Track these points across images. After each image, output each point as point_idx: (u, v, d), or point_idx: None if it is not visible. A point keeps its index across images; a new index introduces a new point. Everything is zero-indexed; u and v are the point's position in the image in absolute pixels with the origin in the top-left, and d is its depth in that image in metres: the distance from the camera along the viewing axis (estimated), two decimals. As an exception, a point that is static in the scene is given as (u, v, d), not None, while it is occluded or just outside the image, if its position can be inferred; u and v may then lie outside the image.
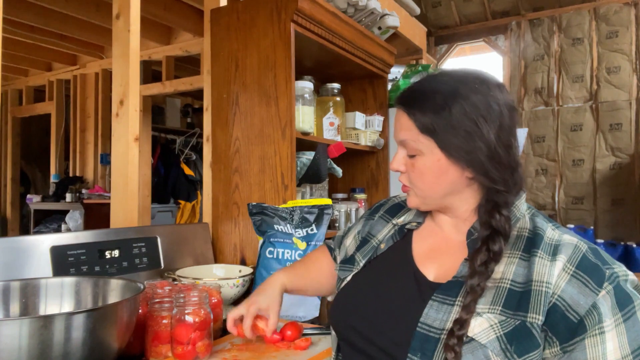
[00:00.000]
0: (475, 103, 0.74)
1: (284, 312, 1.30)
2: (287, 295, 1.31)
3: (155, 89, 3.40)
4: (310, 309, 1.34)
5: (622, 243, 4.19)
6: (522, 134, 3.56)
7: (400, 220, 0.91)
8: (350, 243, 0.98)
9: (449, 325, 0.69)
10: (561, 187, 4.65)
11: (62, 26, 3.30)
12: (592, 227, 4.41)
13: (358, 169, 2.32)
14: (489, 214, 0.75)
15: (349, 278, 0.88)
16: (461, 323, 0.67)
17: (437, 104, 0.75)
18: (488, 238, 0.73)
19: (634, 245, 4.06)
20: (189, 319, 0.94)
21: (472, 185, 0.79)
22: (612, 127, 4.43)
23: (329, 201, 1.45)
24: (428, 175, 0.78)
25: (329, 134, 1.89)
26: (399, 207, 0.95)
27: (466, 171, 0.76)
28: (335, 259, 1.04)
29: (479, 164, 0.74)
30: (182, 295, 0.96)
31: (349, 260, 0.92)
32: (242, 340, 1.08)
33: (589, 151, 4.51)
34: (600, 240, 4.27)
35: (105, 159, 4.13)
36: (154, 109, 4.06)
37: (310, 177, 1.70)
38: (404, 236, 0.88)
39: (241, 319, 0.97)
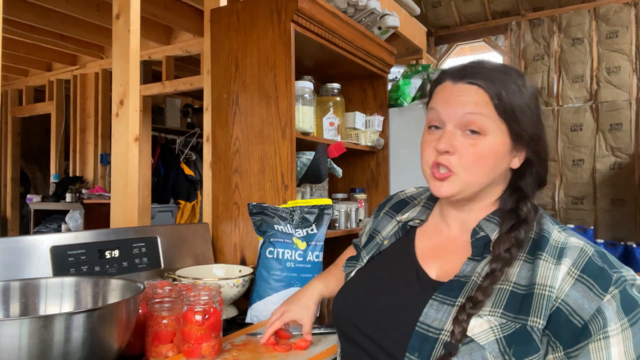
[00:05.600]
0: (534, 93, 0.76)
1: (284, 312, 1.30)
2: (286, 295, 1.31)
3: (155, 89, 3.40)
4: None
5: (622, 243, 4.19)
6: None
7: (404, 217, 0.90)
8: (363, 241, 0.99)
9: (447, 325, 0.69)
10: (561, 187, 4.65)
11: (62, 26, 3.31)
12: (592, 227, 4.41)
13: (358, 169, 2.31)
14: (516, 204, 0.76)
15: (352, 274, 0.88)
16: (468, 311, 0.67)
17: (518, 86, 0.74)
18: (514, 226, 0.73)
19: (634, 245, 4.06)
20: (199, 317, 0.94)
21: (507, 177, 0.80)
22: (612, 127, 4.43)
23: (329, 201, 1.45)
24: (488, 159, 0.74)
25: (329, 134, 1.89)
26: (404, 203, 0.95)
27: (515, 160, 0.77)
28: None
29: (537, 154, 0.77)
30: (192, 293, 0.96)
31: (354, 257, 0.93)
32: (241, 341, 1.08)
33: (589, 151, 4.51)
34: (600, 240, 4.27)
35: (105, 159, 4.13)
36: (154, 109, 4.06)
37: (310, 177, 1.70)
38: (407, 233, 0.87)
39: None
